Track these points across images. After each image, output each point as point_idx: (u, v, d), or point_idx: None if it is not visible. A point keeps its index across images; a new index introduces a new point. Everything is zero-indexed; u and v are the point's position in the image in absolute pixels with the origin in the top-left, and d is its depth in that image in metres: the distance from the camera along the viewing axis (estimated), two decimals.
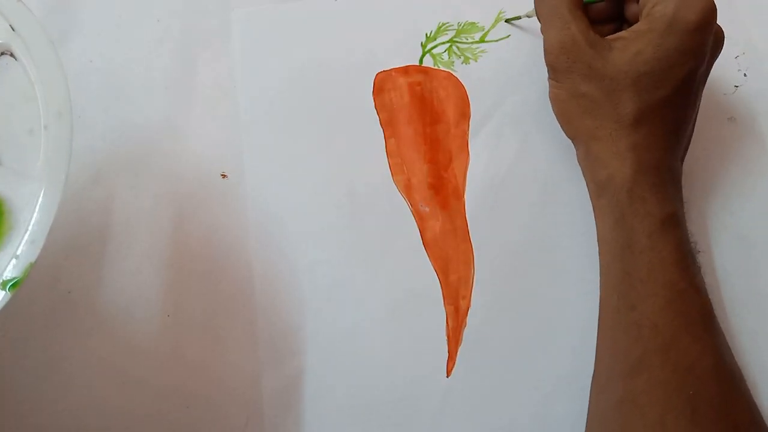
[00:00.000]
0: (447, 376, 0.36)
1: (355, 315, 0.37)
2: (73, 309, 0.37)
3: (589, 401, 0.33)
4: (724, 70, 0.44)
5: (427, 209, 0.39)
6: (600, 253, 0.35)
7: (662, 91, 0.33)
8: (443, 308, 0.37)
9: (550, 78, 0.36)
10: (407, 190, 0.39)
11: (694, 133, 0.38)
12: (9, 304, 0.36)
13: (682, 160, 0.37)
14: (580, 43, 0.34)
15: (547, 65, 0.36)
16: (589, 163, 0.35)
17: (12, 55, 0.29)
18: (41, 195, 0.27)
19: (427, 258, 0.38)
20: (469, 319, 0.37)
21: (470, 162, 0.40)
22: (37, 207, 0.26)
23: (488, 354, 0.37)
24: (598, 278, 0.37)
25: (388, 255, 0.38)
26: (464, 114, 0.41)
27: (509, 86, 0.42)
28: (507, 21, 0.43)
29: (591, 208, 0.37)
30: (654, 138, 0.34)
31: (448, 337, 0.37)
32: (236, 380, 0.36)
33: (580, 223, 0.39)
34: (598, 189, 0.35)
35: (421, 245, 0.38)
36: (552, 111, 0.37)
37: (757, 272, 0.39)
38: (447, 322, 0.37)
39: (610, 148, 0.34)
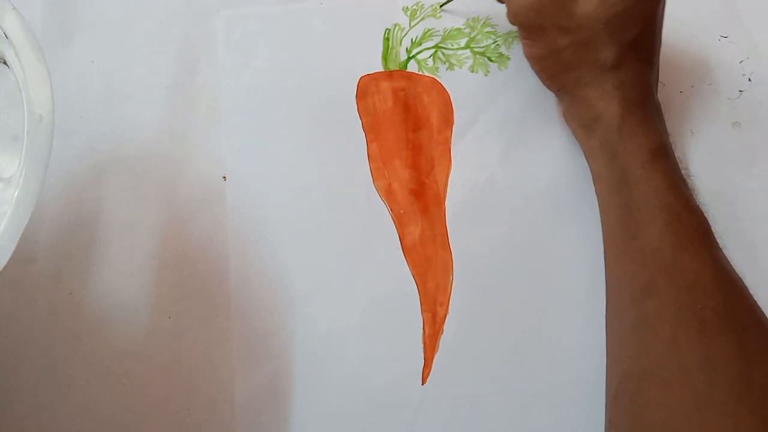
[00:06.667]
0: (422, 384, 0.36)
1: (331, 320, 0.37)
2: (74, 310, 0.37)
3: (606, 329, 0.35)
4: (728, 74, 0.43)
5: (407, 215, 0.39)
6: (597, 191, 0.37)
7: (633, 29, 0.35)
8: (420, 315, 0.37)
9: (523, 38, 0.38)
10: (388, 195, 0.39)
11: (697, 138, 0.41)
12: (10, 304, 0.37)
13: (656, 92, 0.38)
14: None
15: (517, 26, 0.38)
16: (575, 109, 0.37)
17: (5, 62, 0.30)
18: (14, 201, 0.26)
19: (406, 264, 0.38)
20: (446, 326, 0.37)
21: (452, 169, 0.40)
22: (9, 213, 0.26)
23: (464, 362, 0.36)
24: (578, 287, 0.37)
25: (366, 260, 0.38)
26: (447, 121, 0.41)
27: (493, 93, 0.42)
28: (441, 6, 0.44)
29: (572, 216, 0.37)
30: (635, 74, 0.36)
31: (424, 344, 0.37)
32: (233, 383, 0.36)
33: (561, 231, 0.38)
34: (587, 131, 0.37)
35: (400, 251, 0.38)
36: (533, 72, 0.39)
37: (763, 278, 0.37)
38: (424, 329, 0.37)
39: (596, 91, 0.36)
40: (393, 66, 0.42)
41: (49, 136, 0.28)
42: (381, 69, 0.42)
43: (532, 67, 0.38)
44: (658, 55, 0.38)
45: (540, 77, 0.39)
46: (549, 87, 0.39)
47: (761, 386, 0.28)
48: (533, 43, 0.37)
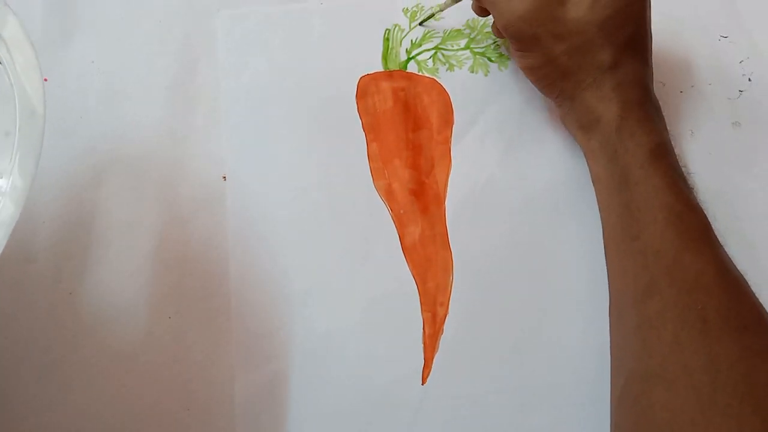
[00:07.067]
0: (422, 384, 0.36)
1: (331, 320, 0.37)
2: (74, 310, 0.37)
3: (610, 331, 0.35)
4: (728, 74, 0.43)
5: (407, 215, 0.39)
6: (597, 192, 0.37)
7: (627, 29, 0.35)
8: (420, 315, 0.37)
9: (515, 50, 0.37)
10: (388, 195, 0.39)
11: (697, 138, 0.41)
12: (10, 304, 0.37)
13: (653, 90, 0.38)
14: (535, 7, 0.35)
15: (510, 38, 0.37)
16: (575, 114, 0.37)
17: None
18: (5, 196, 0.26)
19: (406, 264, 0.38)
20: (446, 326, 0.37)
21: (452, 169, 0.40)
22: (0, 208, 0.26)
23: (464, 362, 0.36)
24: (578, 287, 0.37)
25: (366, 260, 0.38)
26: (447, 121, 0.41)
27: (492, 94, 0.42)
28: (421, 24, 0.43)
29: (572, 216, 0.37)
30: (632, 74, 0.36)
31: (424, 344, 0.37)
32: (233, 383, 0.36)
33: (561, 231, 0.38)
34: (586, 133, 0.37)
35: (400, 251, 0.38)
36: (529, 83, 0.39)
37: (764, 279, 0.37)
38: (424, 329, 0.37)
39: (595, 93, 0.36)
40: (393, 66, 0.42)
41: (41, 131, 0.28)
42: (381, 69, 0.42)
43: (529, 78, 0.38)
44: (651, 53, 0.38)
45: (537, 86, 0.38)
46: (547, 95, 0.39)
47: (765, 387, 0.28)
48: (528, 54, 0.37)
